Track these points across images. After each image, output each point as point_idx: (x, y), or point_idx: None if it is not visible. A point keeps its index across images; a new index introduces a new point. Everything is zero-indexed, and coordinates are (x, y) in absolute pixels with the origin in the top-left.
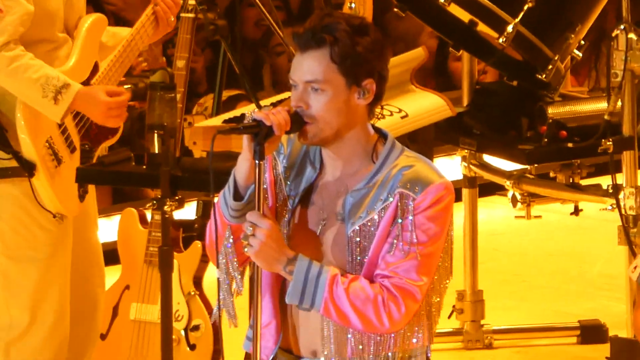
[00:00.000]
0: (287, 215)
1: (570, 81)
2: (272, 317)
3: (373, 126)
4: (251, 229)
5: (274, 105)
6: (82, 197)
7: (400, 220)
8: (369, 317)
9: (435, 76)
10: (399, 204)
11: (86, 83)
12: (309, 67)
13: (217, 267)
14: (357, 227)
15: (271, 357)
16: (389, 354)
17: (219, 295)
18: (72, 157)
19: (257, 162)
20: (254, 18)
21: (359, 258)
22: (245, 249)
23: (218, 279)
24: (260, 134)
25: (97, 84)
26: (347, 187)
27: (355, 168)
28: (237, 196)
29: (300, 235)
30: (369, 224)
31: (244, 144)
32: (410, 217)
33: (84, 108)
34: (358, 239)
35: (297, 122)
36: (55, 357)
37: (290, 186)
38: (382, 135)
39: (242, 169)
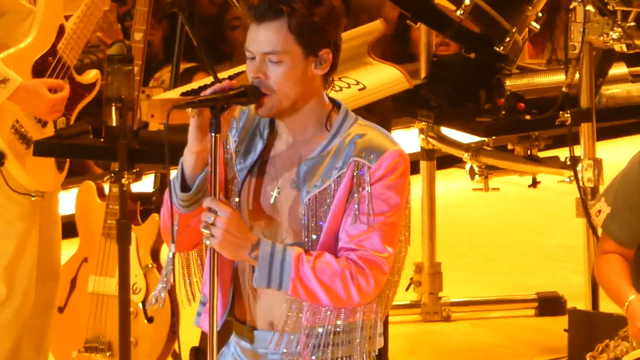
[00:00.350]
0: (236, 188)
1: (528, 53)
2: (220, 290)
3: (327, 96)
4: (212, 217)
5: (231, 77)
6: (61, 168)
7: (358, 191)
8: (338, 293)
9: (396, 45)
10: (355, 172)
11: (54, 48)
12: (266, 38)
13: (171, 248)
14: (313, 195)
15: (219, 326)
16: (338, 322)
17: (166, 273)
18: (44, 131)
19: (213, 135)
20: None
21: (314, 225)
22: (207, 241)
23: (172, 254)
24: (217, 107)
25: (64, 48)
26: (300, 155)
27: (309, 136)
28: (185, 187)
29: (253, 206)
30: (324, 191)
31: (190, 131)
32: (368, 188)
33: (25, 103)
34: (314, 207)
35: (255, 93)
36: (18, 335)
37: (240, 159)
38: (335, 104)
39: (189, 161)
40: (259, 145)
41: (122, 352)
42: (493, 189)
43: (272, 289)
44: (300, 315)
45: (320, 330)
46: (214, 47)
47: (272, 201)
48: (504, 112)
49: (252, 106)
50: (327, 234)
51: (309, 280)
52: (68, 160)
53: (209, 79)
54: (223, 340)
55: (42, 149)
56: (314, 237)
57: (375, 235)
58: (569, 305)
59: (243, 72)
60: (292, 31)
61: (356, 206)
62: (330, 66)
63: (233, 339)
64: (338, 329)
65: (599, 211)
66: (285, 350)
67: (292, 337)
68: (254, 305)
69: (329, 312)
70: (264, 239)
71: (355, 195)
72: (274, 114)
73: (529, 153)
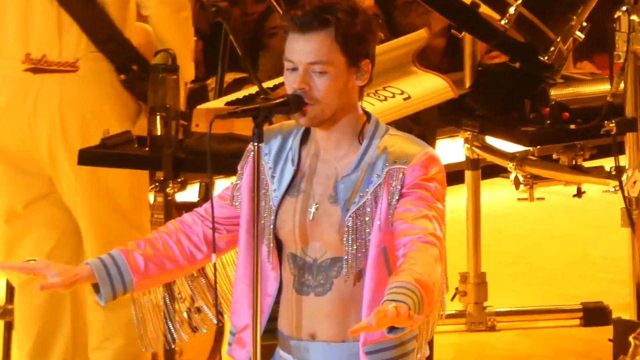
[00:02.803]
0: (272, 212)
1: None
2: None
3: (362, 109)
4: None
5: (276, 87)
6: None
7: (398, 195)
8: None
9: (448, 56)
10: (391, 181)
11: None
12: (312, 48)
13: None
14: (353, 212)
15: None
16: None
17: (215, 280)
18: None
19: (255, 144)
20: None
21: (354, 239)
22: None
23: (214, 264)
24: (259, 116)
25: None
26: (336, 170)
27: (344, 150)
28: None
29: (290, 223)
30: (363, 206)
31: None
32: (404, 189)
33: None
34: (354, 223)
35: (297, 103)
36: None
37: (275, 184)
38: (367, 115)
39: None
40: (290, 170)
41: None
42: (538, 198)
43: (314, 299)
44: (340, 324)
45: (379, 346)
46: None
47: (310, 217)
48: (548, 122)
49: (282, 130)
50: (375, 245)
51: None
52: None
53: (253, 89)
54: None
55: (86, 158)
56: (354, 251)
57: (427, 220)
58: (614, 315)
59: None
60: (337, 41)
61: (400, 205)
62: (369, 78)
63: (278, 351)
64: (396, 342)
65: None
66: None
67: (331, 346)
68: (296, 317)
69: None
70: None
71: (396, 197)
72: (315, 124)
73: (573, 163)
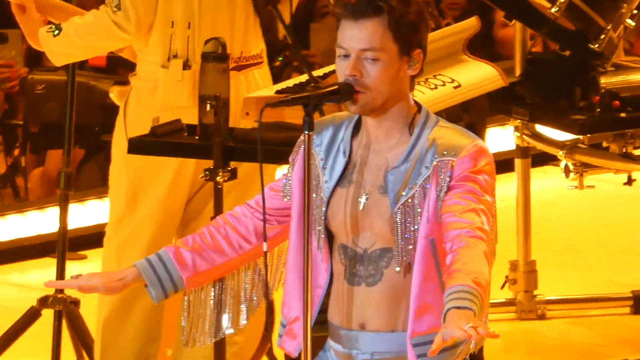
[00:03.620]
0: (324, 202)
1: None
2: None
3: (413, 99)
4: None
5: (325, 75)
6: None
7: (447, 186)
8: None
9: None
10: (440, 172)
11: None
12: (365, 34)
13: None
14: (402, 204)
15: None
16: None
17: (266, 269)
18: None
19: (306, 133)
20: None
21: (404, 230)
22: None
23: (265, 253)
24: (310, 104)
25: None
26: (387, 160)
27: (395, 141)
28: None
29: (341, 214)
30: (413, 198)
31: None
32: (456, 178)
33: None
34: (404, 214)
35: (348, 91)
36: None
37: (326, 175)
38: (418, 106)
39: None
40: (342, 161)
41: (217, 351)
42: (588, 186)
43: (365, 289)
44: (390, 314)
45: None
46: (304, 35)
47: (361, 208)
48: (598, 110)
49: (334, 121)
50: (424, 237)
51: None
52: None
53: (303, 77)
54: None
55: (136, 146)
56: (403, 242)
57: (474, 214)
58: None
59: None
60: (390, 28)
61: (449, 197)
62: (420, 68)
63: (329, 341)
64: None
65: None
66: (374, 350)
67: (381, 336)
68: (347, 307)
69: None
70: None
71: (445, 190)
72: (366, 112)
73: (624, 151)
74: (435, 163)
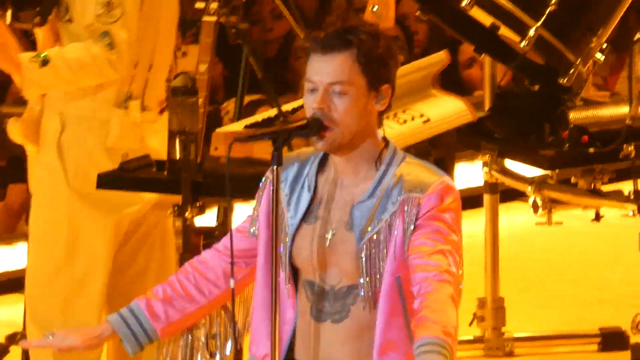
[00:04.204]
0: (289, 239)
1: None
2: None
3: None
4: None
5: (294, 110)
6: None
7: (414, 224)
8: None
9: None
10: (406, 209)
11: None
12: (333, 68)
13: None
14: (367, 239)
15: None
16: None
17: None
18: None
19: (274, 167)
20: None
21: (369, 267)
22: None
23: (232, 289)
24: (279, 139)
25: None
26: (353, 195)
27: (362, 176)
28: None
29: (307, 250)
30: (378, 234)
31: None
32: (421, 219)
33: None
34: (369, 250)
35: (316, 126)
36: None
37: (291, 211)
38: (385, 142)
39: None
40: (306, 197)
41: None
42: (556, 222)
43: (331, 326)
44: (355, 350)
45: None
46: (279, 75)
47: (327, 244)
48: (567, 145)
49: (300, 157)
50: (389, 274)
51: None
52: None
53: (272, 112)
54: None
55: (105, 181)
56: (369, 278)
57: (442, 255)
58: (632, 340)
59: None
60: (359, 62)
61: (416, 237)
62: (388, 103)
63: None
64: None
65: None
66: None
67: None
68: (313, 344)
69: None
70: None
71: (411, 228)
72: (334, 148)
73: (592, 186)
74: (401, 199)
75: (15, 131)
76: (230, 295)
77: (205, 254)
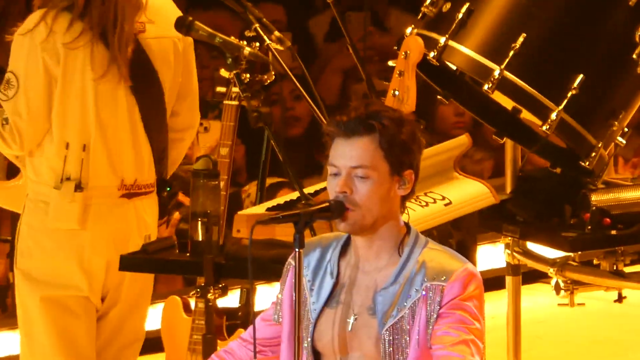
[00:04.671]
0: (311, 325)
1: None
2: None
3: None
4: None
5: (316, 192)
6: None
7: (437, 313)
8: None
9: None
10: (430, 296)
11: None
12: (356, 153)
13: None
14: (390, 325)
15: None
16: None
17: None
18: None
19: (297, 250)
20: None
21: (391, 353)
22: None
23: None
24: (300, 222)
25: None
26: (376, 281)
27: (384, 262)
28: None
29: (329, 335)
30: (401, 320)
31: None
32: (445, 308)
33: None
34: (392, 336)
35: (338, 209)
36: None
37: (313, 297)
38: (407, 228)
39: None
40: (329, 282)
41: None
42: (579, 304)
43: None
44: None
45: None
46: (306, 156)
47: (349, 328)
48: (589, 227)
49: (322, 243)
50: (414, 357)
51: None
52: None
53: (294, 194)
54: None
55: (129, 263)
56: None
57: (465, 346)
58: None
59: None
60: (382, 147)
61: (439, 326)
62: (411, 188)
63: None
64: None
65: None
66: None
67: None
68: None
69: None
70: None
71: (435, 317)
72: (356, 231)
73: (614, 268)
74: (425, 287)
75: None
76: None
77: (232, 345)
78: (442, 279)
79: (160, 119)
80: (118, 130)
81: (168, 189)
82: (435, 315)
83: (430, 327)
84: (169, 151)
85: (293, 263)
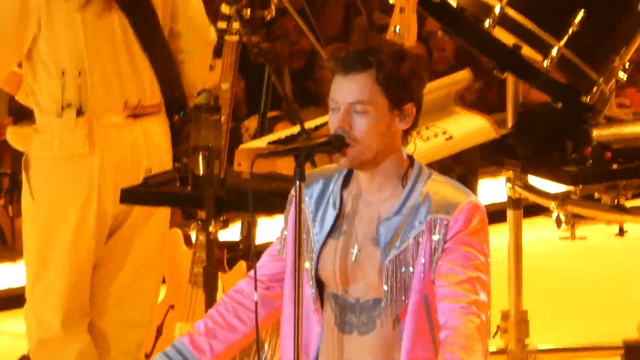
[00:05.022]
0: (315, 255)
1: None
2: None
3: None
4: None
5: (317, 127)
6: None
7: (442, 247)
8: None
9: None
10: (434, 231)
11: None
12: (354, 88)
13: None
14: (393, 256)
15: None
16: None
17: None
18: None
19: (297, 183)
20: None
21: (394, 283)
22: None
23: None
24: (301, 156)
25: None
26: (379, 212)
27: (388, 194)
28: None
29: (332, 265)
30: (404, 252)
31: None
32: (450, 242)
33: None
34: (394, 267)
35: (338, 143)
36: None
37: (316, 228)
38: (410, 160)
39: None
40: (332, 213)
41: None
42: (580, 237)
43: (358, 338)
44: None
45: None
46: (303, 87)
47: (353, 259)
48: (591, 162)
49: (324, 174)
50: (417, 293)
51: None
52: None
53: (295, 129)
54: None
55: (129, 196)
56: (394, 294)
57: (469, 285)
58: None
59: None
60: (379, 82)
61: (444, 262)
62: (413, 122)
63: None
64: None
65: None
66: None
67: None
68: (338, 355)
69: None
70: None
71: (440, 251)
72: (356, 165)
73: (615, 202)
74: (428, 219)
75: (11, 138)
76: (270, 320)
77: (241, 283)
78: (446, 212)
79: (158, 39)
80: (113, 54)
81: (181, 114)
82: (440, 250)
83: (435, 262)
84: (182, 73)
85: (294, 194)
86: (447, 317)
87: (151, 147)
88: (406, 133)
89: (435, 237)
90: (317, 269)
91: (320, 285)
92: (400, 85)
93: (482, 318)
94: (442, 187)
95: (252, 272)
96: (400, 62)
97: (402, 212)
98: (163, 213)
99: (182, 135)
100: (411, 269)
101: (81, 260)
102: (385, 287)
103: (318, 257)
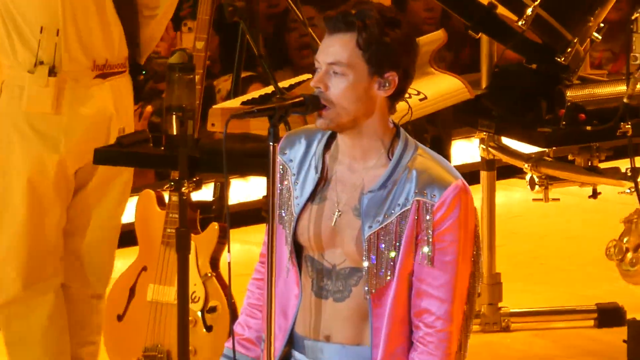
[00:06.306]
0: (294, 218)
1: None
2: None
3: (392, 122)
4: None
5: (291, 87)
6: None
7: (426, 233)
8: None
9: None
10: (419, 215)
11: None
12: (334, 49)
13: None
14: (375, 230)
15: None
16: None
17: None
18: None
19: (271, 144)
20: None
21: (375, 258)
22: None
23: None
24: (275, 115)
25: None
26: (363, 181)
27: (372, 162)
28: None
29: (311, 229)
30: (387, 227)
31: None
32: (431, 230)
33: None
34: (375, 241)
35: (314, 103)
36: None
37: (297, 190)
38: (397, 129)
39: None
40: (313, 177)
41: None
42: (553, 199)
43: (333, 304)
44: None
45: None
46: (275, 50)
47: (332, 224)
48: (564, 123)
49: (306, 135)
50: (400, 272)
51: None
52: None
53: (269, 89)
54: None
55: (102, 156)
56: (373, 268)
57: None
58: (629, 316)
59: (303, 81)
60: (359, 46)
61: (426, 250)
62: (395, 90)
63: (292, 352)
64: None
65: None
66: None
67: (346, 349)
68: (314, 319)
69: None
70: None
71: (424, 237)
72: (333, 127)
73: (589, 164)
74: (414, 200)
75: None
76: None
77: (259, 268)
78: (432, 195)
79: None
80: (86, 11)
81: (143, 72)
82: (424, 236)
83: (417, 249)
84: (141, 29)
85: (280, 157)
86: (421, 325)
87: (120, 107)
88: (393, 100)
89: (419, 220)
90: (295, 234)
91: (298, 250)
92: (383, 52)
93: (454, 340)
94: (428, 165)
95: (264, 251)
96: (386, 29)
97: (387, 186)
98: (127, 176)
99: (142, 95)
100: (391, 247)
101: (40, 222)
102: (365, 263)
103: (297, 221)
